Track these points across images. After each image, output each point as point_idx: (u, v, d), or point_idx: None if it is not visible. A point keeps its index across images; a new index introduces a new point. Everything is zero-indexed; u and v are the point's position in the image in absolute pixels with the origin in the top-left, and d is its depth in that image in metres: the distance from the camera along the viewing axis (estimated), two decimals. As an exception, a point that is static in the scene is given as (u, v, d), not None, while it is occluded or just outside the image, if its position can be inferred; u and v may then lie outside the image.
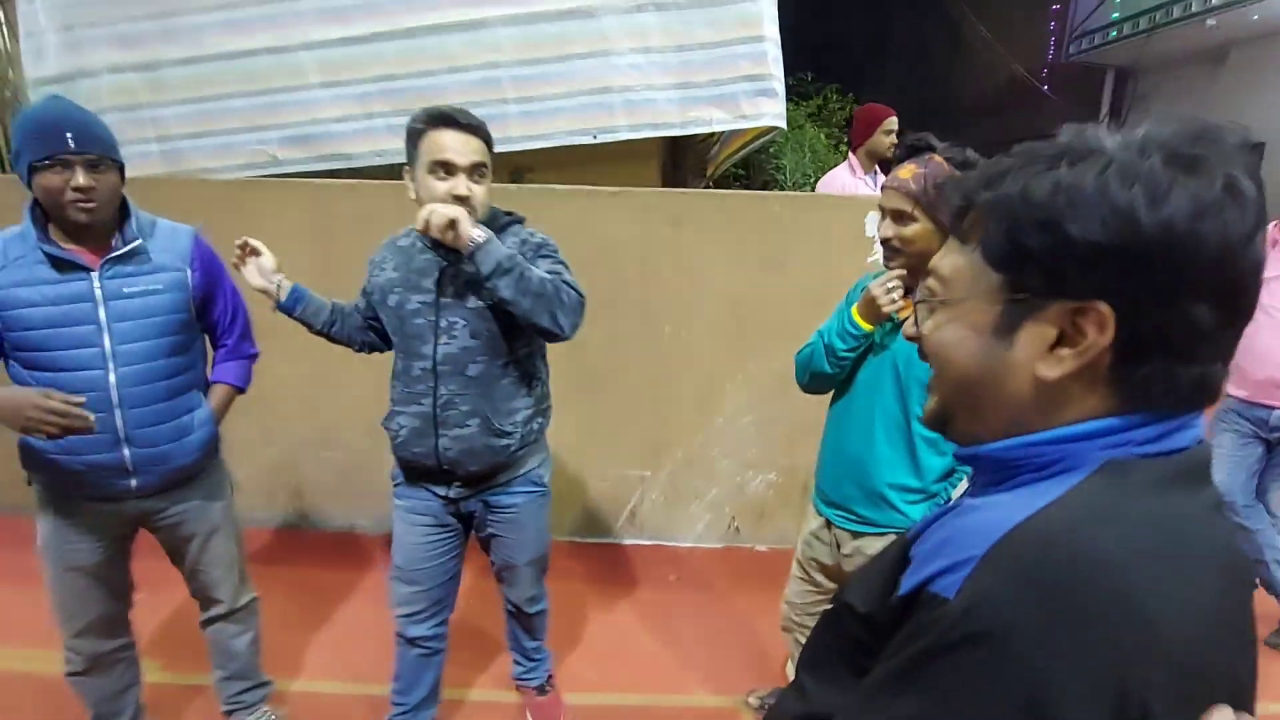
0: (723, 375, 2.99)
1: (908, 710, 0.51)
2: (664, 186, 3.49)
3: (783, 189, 5.42)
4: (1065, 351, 0.53)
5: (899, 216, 1.45)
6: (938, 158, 1.43)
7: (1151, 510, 0.51)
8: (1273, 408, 2.36)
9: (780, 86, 3.01)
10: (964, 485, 1.44)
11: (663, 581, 2.89)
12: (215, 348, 1.82)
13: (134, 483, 1.61)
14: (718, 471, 3.09)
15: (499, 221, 1.67)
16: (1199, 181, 0.48)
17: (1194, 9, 7.17)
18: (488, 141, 1.60)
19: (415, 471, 1.74)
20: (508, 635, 2.11)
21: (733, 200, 3.02)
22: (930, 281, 0.62)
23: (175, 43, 3.01)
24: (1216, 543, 0.54)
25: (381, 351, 1.85)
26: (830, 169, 3.66)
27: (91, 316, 1.52)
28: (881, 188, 1.50)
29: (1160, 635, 0.46)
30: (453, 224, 1.45)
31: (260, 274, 1.68)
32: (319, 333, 1.79)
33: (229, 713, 1.97)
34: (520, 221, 1.73)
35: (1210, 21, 7.13)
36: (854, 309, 1.55)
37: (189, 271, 1.65)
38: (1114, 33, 8.55)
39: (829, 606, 0.70)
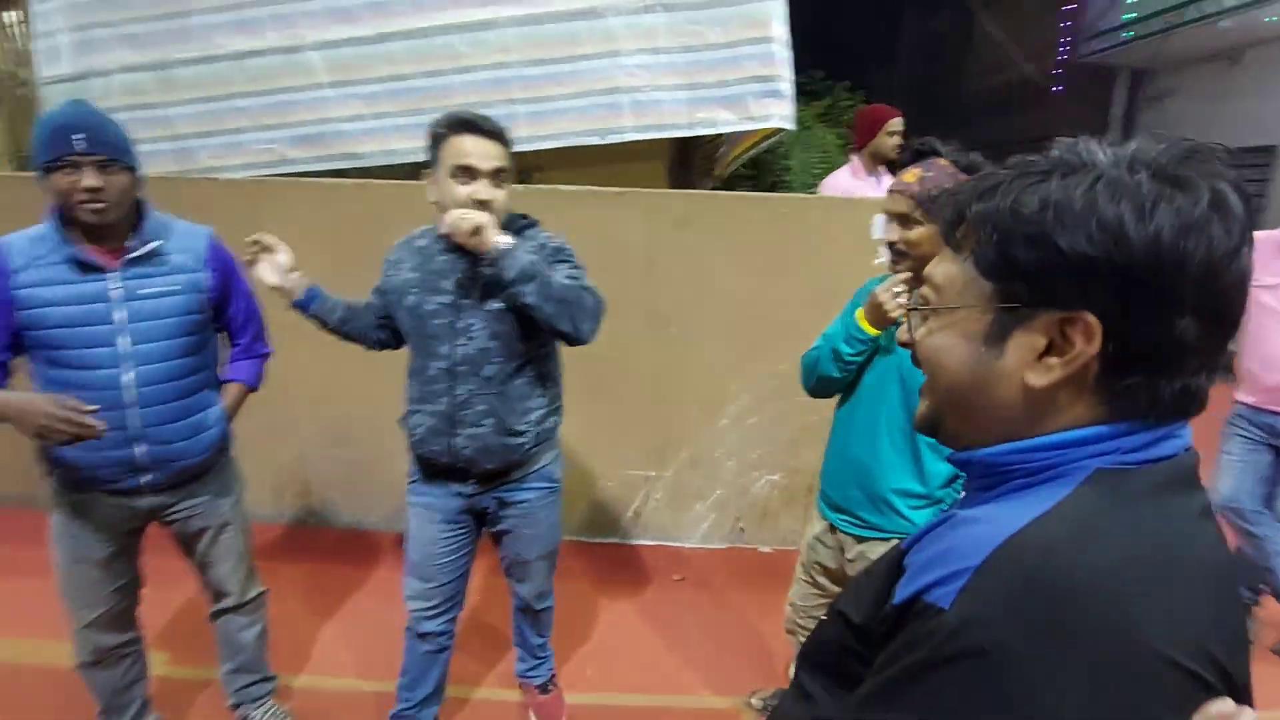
0: (728, 376, 2.99)
1: None
2: (672, 187, 3.50)
3: (791, 189, 5.40)
4: (1054, 360, 0.54)
5: (903, 220, 1.45)
6: (942, 161, 1.42)
7: (1142, 521, 0.52)
8: (1283, 414, 2.34)
9: (789, 87, 3.00)
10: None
11: (667, 582, 2.90)
12: (229, 346, 1.85)
13: (146, 479, 1.64)
14: (722, 472, 3.09)
15: (514, 224, 1.70)
16: (1185, 198, 0.49)
17: (1207, 11, 7.10)
18: (508, 146, 1.62)
19: (432, 469, 1.76)
20: (514, 632, 2.12)
21: (739, 201, 3.02)
22: (924, 289, 0.63)
23: (186, 42, 3.04)
24: (1206, 549, 0.55)
25: (393, 349, 1.87)
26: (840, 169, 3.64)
27: (108, 317, 1.55)
28: (887, 191, 1.50)
29: (1150, 654, 0.47)
30: (478, 230, 1.49)
31: (275, 271, 1.69)
32: (332, 330, 1.80)
33: (235, 705, 1.99)
34: (535, 224, 1.75)
35: (1224, 23, 7.06)
36: (859, 313, 1.55)
37: (205, 272, 1.68)
38: (1127, 33, 8.48)
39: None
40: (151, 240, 1.60)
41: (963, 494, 0.66)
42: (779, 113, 3.02)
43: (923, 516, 1.59)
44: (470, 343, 1.63)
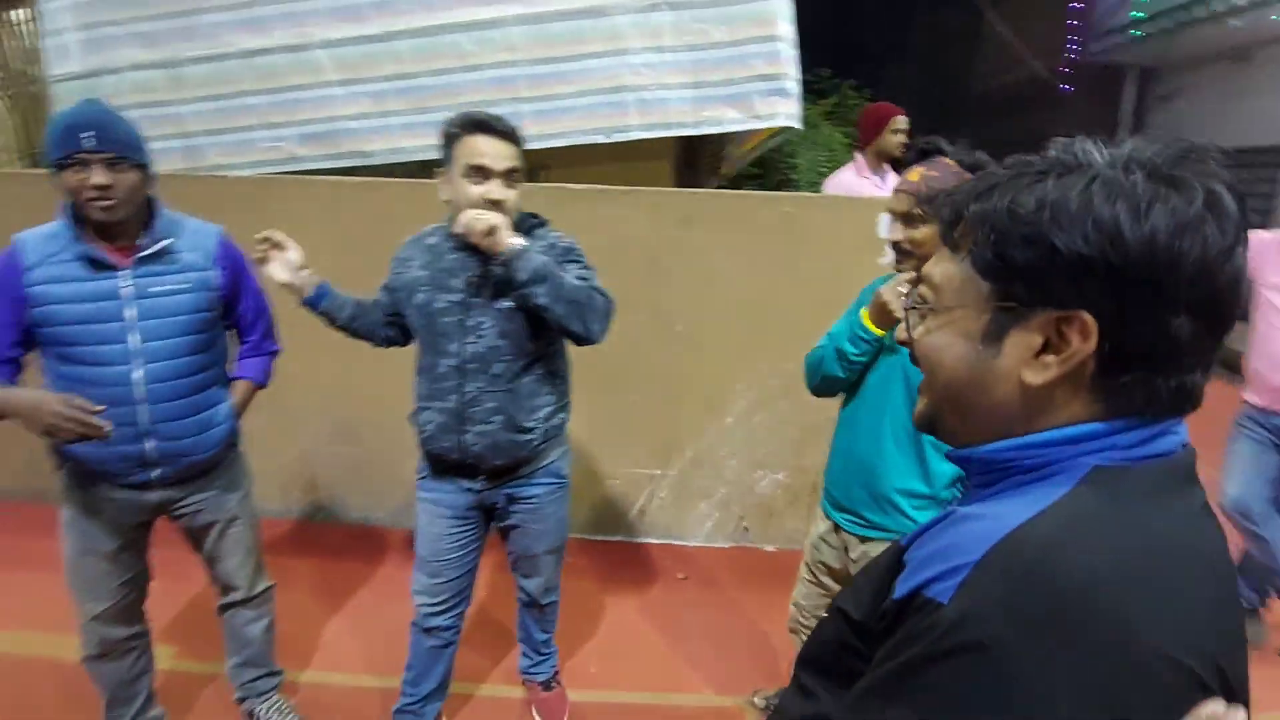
0: (733, 375, 2.99)
1: (899, 716, 0.52)
2: (678, 185, 3.49)
3: (798, 188, 5.39)
4: (1050, 358, 0.55)
5: (908, 219, 1.45)
6: (947, 160, 1.42)
7: (1139, 519, 0.53)
8: (1291, 415, 2.33)
9: (795, 86, 3.00)
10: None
11: (671, 580, 2.90)
12: (239, 343, 1.87)
13: (155, 474, 1.66)
14: (727, 471, 3.09)
15: (525, 224, 1.71)
16: (1180, 198, 0.50)
17: (1217, 10, 7.04)
18: (520, 147, 1.64)
19: (441, 465, 1.78)
20: (519, 627, 2.13)
21: (744, 200, 3.02)
22: (922, 288, 0.64)
23: (194, 41, 3.05)
24: (1204, 546, 0.55)
25: (401, 346, 1.89)
26: None
27: (119, 314, 1.56)
28: (893, 190, 1.50)
29: (1145, 651, 0.48)
30: (492, 230, 1.50)
31: (286, 269, 1.70)
32: (340, 328, 1.81)
33: (241, 699, 2.00)
34: (545, 224, 1.77)
35: (1234, 22, 7.01)
36: (864, 313, 1.55)
37: (215, 271, 1.69)
38: (1136, 32, 8.42)
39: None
40: (162, 238, 1.61)
41: (963, 492, 0.66)
42: (785, 111, 3.01)
43: (927, 517, 1.58)
44: (480, 340, 1.65)
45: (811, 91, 6.37)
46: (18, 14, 4.27)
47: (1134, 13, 8.39)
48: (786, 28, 2.95)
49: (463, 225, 1.53)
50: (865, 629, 0.62)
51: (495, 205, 1.57)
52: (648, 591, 2.81)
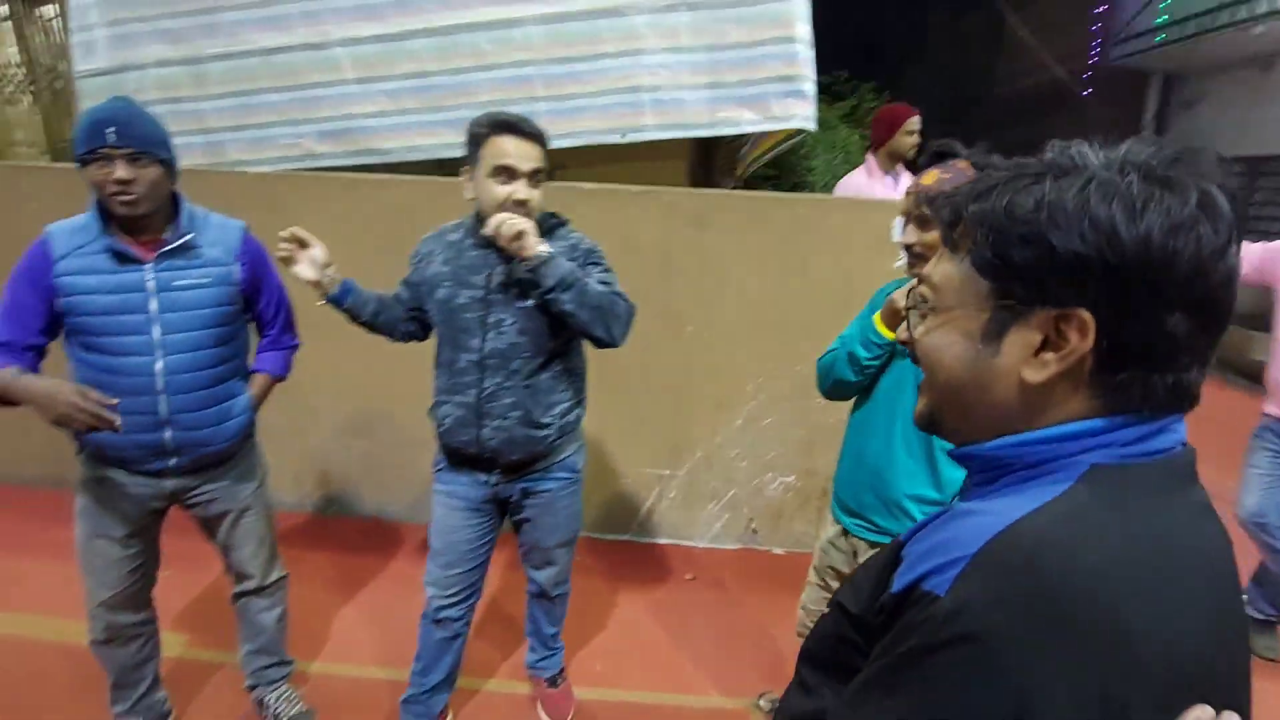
0: (743, 376, 2.99)
1: (896, 707, 0.53)
2: (693, 186, 3.49)
3: (813, 190, 5.37)
4: (1049, 356, 0.56)
5: (922, 221, 1.44)
6: (962, 163, 1.41)
7: (1137, 515, 0.53)
8: (1310, 426, 2.29)
9: (811, 87, 2.99)
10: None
11: (678, 581, 2.90)
12: (259, 337, 1.90)
13: (172, 462, 1.70)
14: (736, 473, 3.09)
15: (546, 223, 1.73)
16: (1174, 199, 0.51)
17: (1241, 16, 6.94)
18: (546, 148, 1.67)
19: (458, 457, 1.80)
20: (527, 620, 2.15)
21: (757, 201, 3.01)
22: (922, 288, 0.65)
23: (216, 38, 3.10)
24: (1203, 545, 0.56)
25: (420, 341, 1.91)
26: None
27: (143, 306, 1.60)
28: (905, 193, 1.49)
29: (1139, 648, 0.48)
30: (520, 236, 1.52)
31: (312, 267, 1.71)
32: (364, 324, 1.83)
33: (252, 687, 2.03)
34: (565, 223, 1.79)
35: (1258, 29, 6.90)
36: (876, 317, 1.54)
37: (237, 266, 1.72)
38: (1160, 37, 8.32)
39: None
40: (185, 233, 1.64)
41: (965, 490, 0.67)
42: (801, 113, 3.01)
43: (936, 522, 1.58)
44: (500, 337, 1.67)
45: (829, 93, 6.34)
46: (47, 10, 4.35)
47: (1158, 18, 8.28)
48: (804, 29, 2.94)
49: (491, 228, 1.55)
50: (863, 623, 0.63)
51: (520, 205, 1.60)
52: (655, 591, 2.81)
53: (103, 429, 1.45)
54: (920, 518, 1.55)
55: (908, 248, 1.48)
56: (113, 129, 1.49)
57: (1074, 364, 0.55)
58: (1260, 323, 2.59)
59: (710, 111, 3.03)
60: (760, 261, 2.88)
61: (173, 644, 2.27)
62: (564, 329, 1.67)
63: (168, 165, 1.60)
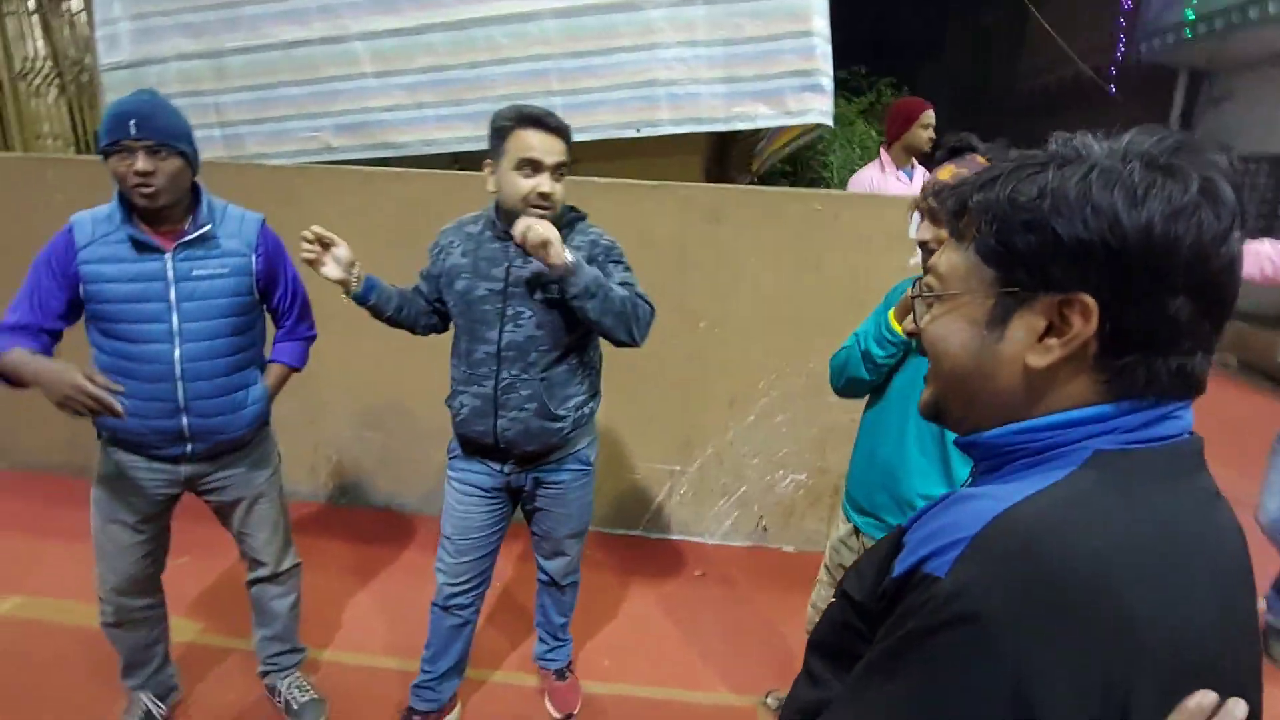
0: (756, 373, 2.98)
1: (897, 690, 0.53)
2: (708, 181, 3.48)
3: (830, 186, 5.32)
4: (1053, 341, 0.56)
5: (937, 217, 1.42)
6: (979, 159, 1.39)
7: (1140, 500, 0.53)
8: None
9: (829, 82, 2.96)
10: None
11: (688, 577, 2.90)
12: (276, 328, 1.92)
13: (189, 448, 1.73)
14: (747, 470, 3.08)
15: (565, 216, 1.74)
16: (1175, 186, 0.52)
17: (1271, 12, 6.77)
18: (569, 142, 1.68)
19: (472, 446, 1.82)
20: (537, 610, 2.16)
21: (772, 197, 2.99)
22: (928, 278, 0.66)
23: (237, 31, 3.13)
24: (1209, 531, 0.55)
25: (440, 333, 1.93)
26: None
27: (162, 295, 1.63)
28: (921, 188, 1.48)
29: (1143, 634, 0.48)
30: (546, 243, 1.53)
31: (338, 266, 1.71)
32: (387, 319, 1.84)
33: (264, 673, 2.06)
34: (584, 217, 1.80)
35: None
36: (891, 314, 1.53)
37: (254, 257, 1.74)
38: (1187, 33, 8.14)
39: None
40: (204, 224, 1.67)
41: (970, 477, 0.67)
42: (818, 108, 2.98)
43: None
44: (518, 330, 1.69)
45: (847, 89, 6.27)
46: (73, 4, 4.41)
47: (1185, 13, 8.11)
48: (821, 23, 2.91)
49: (517, 232, 1.56)
50: (867, 610, 0.63)
51: (545, 198, 1.61)
52: (664, 587, 2.82)
53: (105, 414, 1.47)
54: (932, 517, 1.55)
55: (923, 244, 1.46)
56: (134, 122, 1.52)
57: (1078, 349, 0.55)
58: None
59: (726, 106, 3.01)
60: (775, 257, 2.87)
61: (187, 629, 2.31)
62: (581, 323, 1.68)
63: (188, 158, 1.63)
